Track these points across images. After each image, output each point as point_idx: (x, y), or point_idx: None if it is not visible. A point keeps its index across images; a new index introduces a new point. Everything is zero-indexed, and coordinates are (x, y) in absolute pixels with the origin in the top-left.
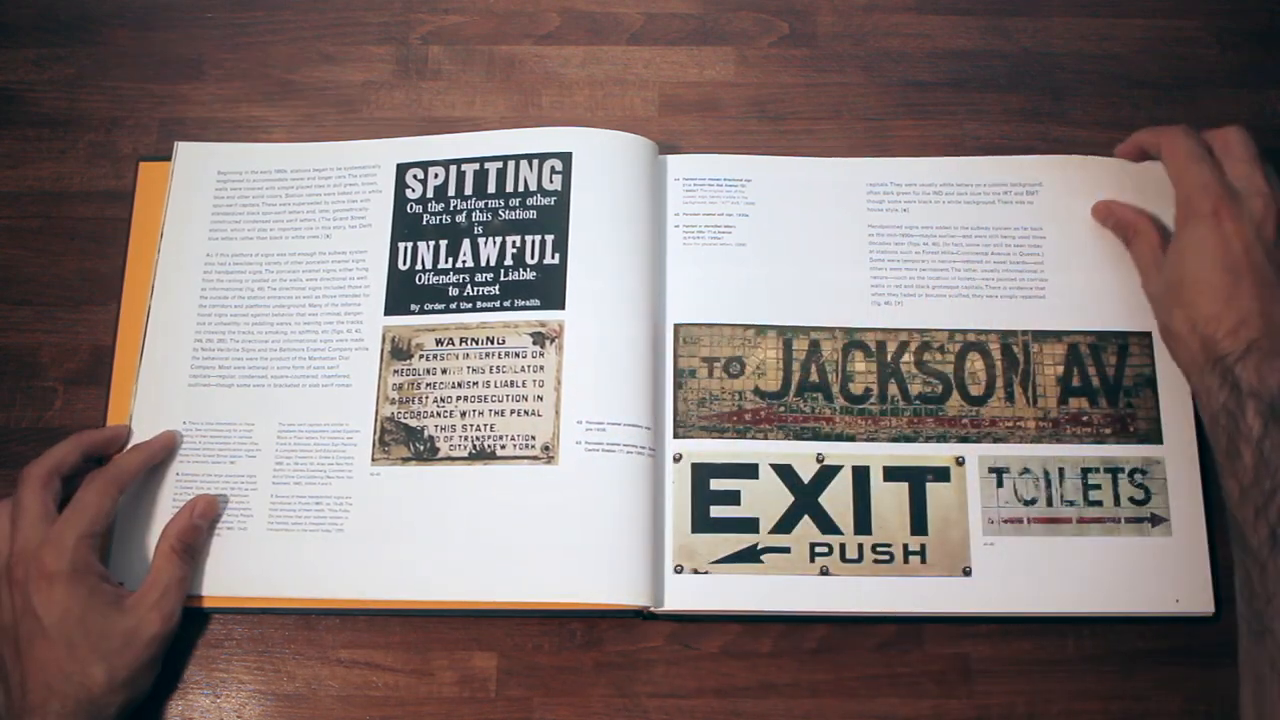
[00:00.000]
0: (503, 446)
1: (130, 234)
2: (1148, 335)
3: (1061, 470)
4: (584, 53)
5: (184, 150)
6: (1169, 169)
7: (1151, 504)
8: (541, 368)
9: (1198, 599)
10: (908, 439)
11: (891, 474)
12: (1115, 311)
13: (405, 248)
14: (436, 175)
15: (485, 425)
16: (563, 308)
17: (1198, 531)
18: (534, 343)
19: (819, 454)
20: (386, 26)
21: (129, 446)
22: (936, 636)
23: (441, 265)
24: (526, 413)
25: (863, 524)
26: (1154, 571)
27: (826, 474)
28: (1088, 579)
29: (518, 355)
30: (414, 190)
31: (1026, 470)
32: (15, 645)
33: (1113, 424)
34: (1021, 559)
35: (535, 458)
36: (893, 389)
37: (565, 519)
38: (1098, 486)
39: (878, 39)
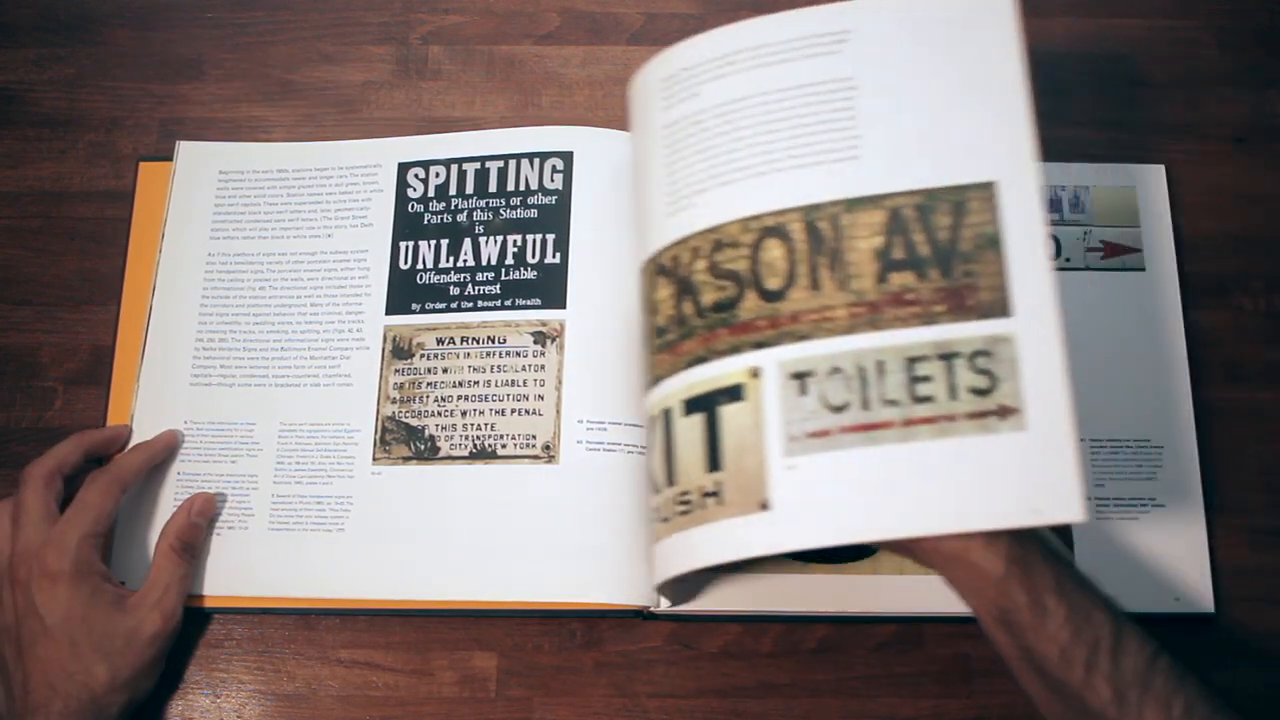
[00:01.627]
0: (503, 446)
1: (130, 234)
2: (990, 187)
3: (881, 364)
4: (584, 53)
5: (185, 150)
6: None
7: (998, 393)
8: (542, 367)
9: (1062, 507)
10: (701, 360)
11: (690, 407)
12: (949, 163)
13: (406, 247)
14: (438, 174)
15: (486, 425)
16: (564, 307)
17: (1060, 422)
18: (535, 342)
19: (654, 409)
20: (386, 26)
21: (130, 446)
22: (936, 636)
23: (443, 264)
24: (527, 412)
25: (672, 475)
26: (1006, 475)
27: (657, 427)
28: (922, 495)
29: (519, 354)
30: (415, 190)
31: (836, 370)
32: (17, 645)
33: (947, 299)
34: (831, 481)
35: (536, 457)
36: (687, 307)
37: (566, 519)
38: (927, 379)
39: None
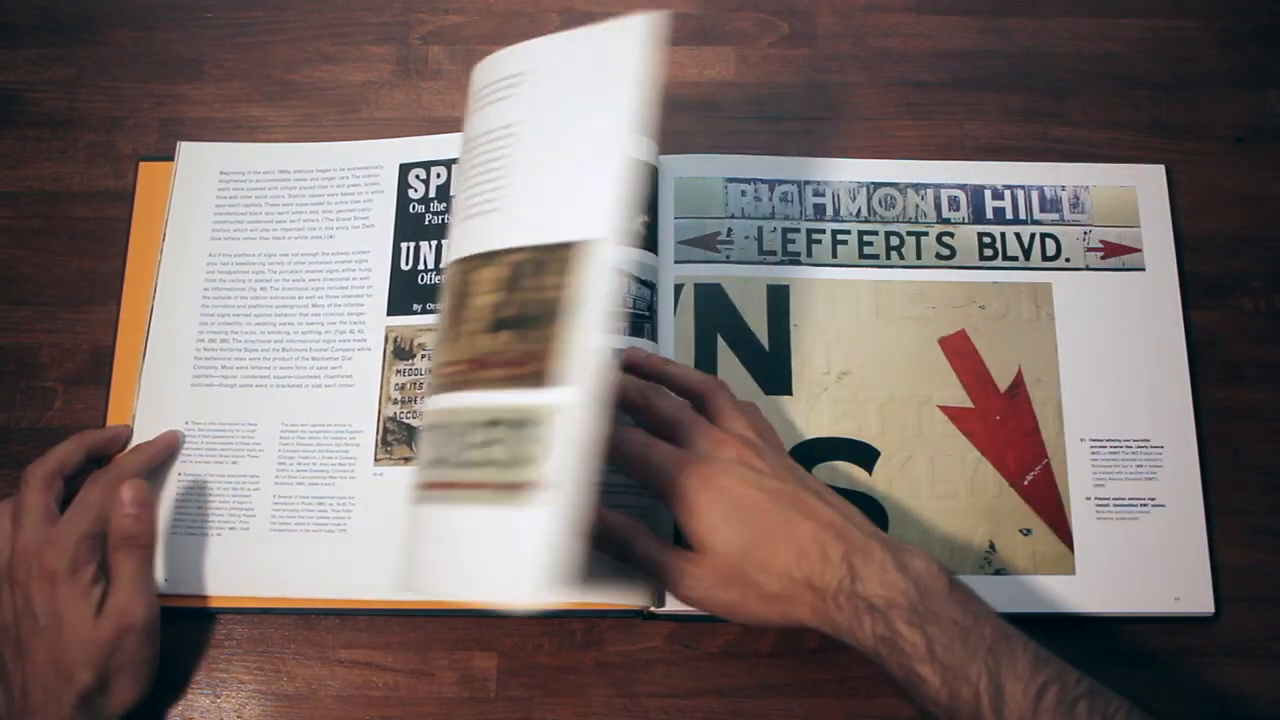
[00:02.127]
0: None
1: (130, 234)
2: (572, 248)
3: (467, 425)
4: None
5: (186, 150)
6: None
7: (530, 467)
8: None
9: (528, 589)
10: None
11: None
12: (557, 221)
13: (408, 248)
14: (439, 175)
15: None
16: None
17: (565, 504)
18: None
19: None
20: (386, 26)
21: (131, 447)
22: None
23: (444, 265)
24: None
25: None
26: (513, 551)
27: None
28: (457, 559)
29: None
30: (416, 190)
31: (439, 426)
32: (16, 645)
33: (526, 363)
34: (414, 533)
35: None
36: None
37: None
38: (497, 443)
39: (878, 39)
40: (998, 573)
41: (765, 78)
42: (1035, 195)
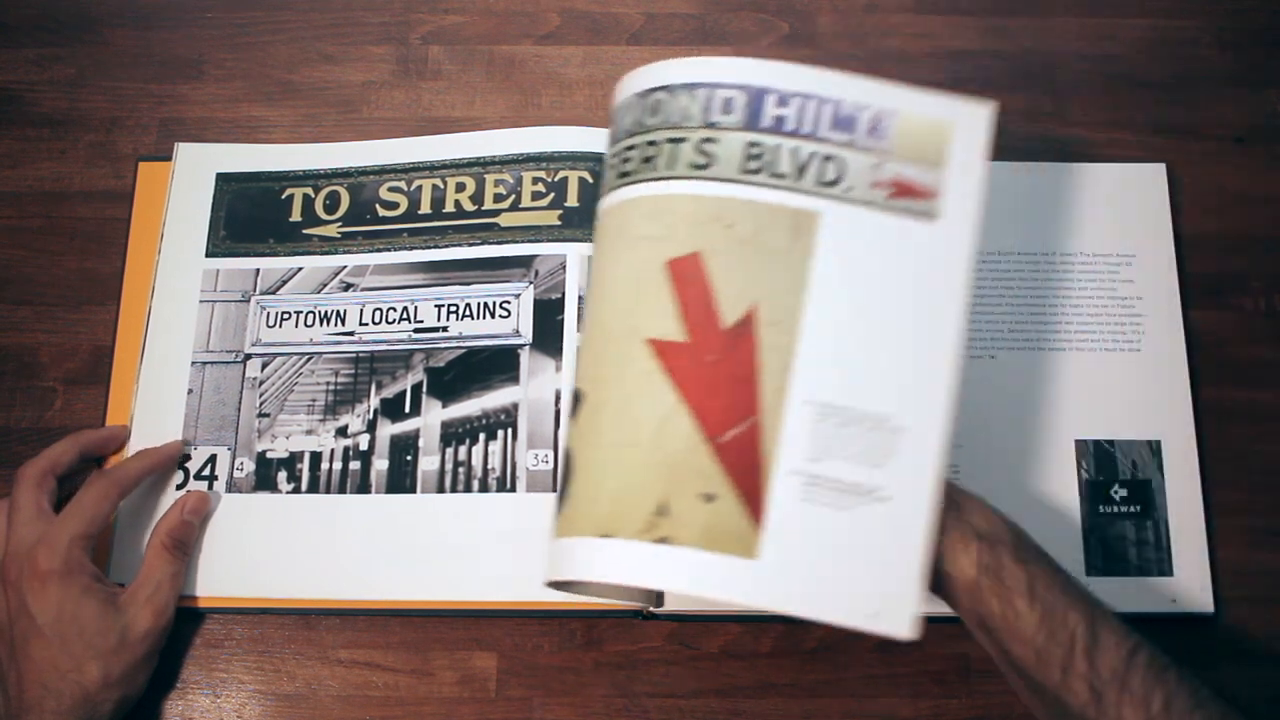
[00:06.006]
0: None
1: (130, 234)
2: None
3: None
4: (584, 53)
5: (184, 151)
6: None
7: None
8: None
9: None
10: None
11: None
12: None
13: None
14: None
15: None
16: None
17: None
18: None
19: None
20: (386, 26)
21: (135, 451)
22: (936, 636)
23: None
24: None
25: None
26: None
27: None
28: None
29: None
30: None
31: None
32: (10, 645)
33: None
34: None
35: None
36: None
37: None
38: None
39: (878, 39)
40: (661, 541)
41: None
42: (829, 109)
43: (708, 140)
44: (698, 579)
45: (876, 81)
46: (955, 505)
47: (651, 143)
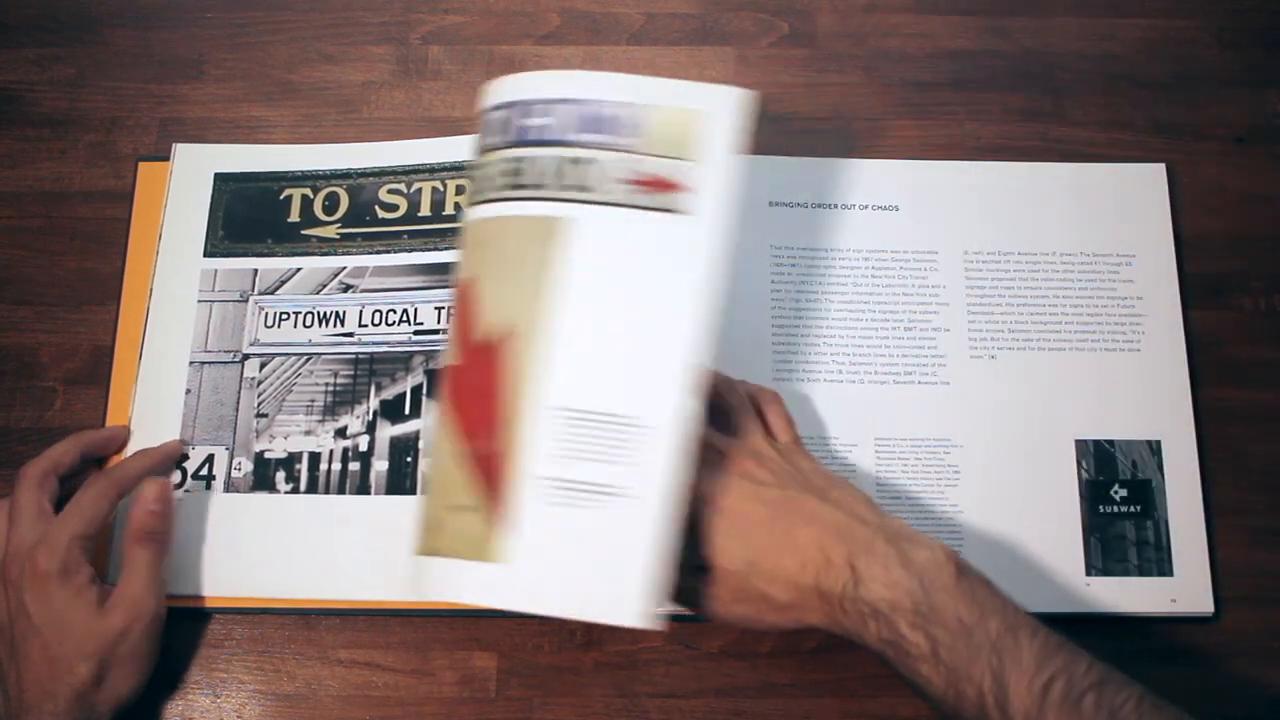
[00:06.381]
0: None
1: (130, 234)
2: None
3: None
4: (584, 53)
5: (182, 152)
6: None
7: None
8: None
9: None
10: None
11: None
12: None
13: None
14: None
15: None
16: None
17: None
18: None
19: None
20: (386, 26)
21: (133, 451)
22: None
23: None
24: None
25: None
26: None
27: None
28: None
29: None
30: None
31: None
32: (10, 644)
33: None
34: None
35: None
36: None
37: None
38: None
39: (878, 39)
40: (433, 554)
41: (765, 78)
42: (589, 112)
43: (483, 165)
44: (456, 587)
45: (636, 78)
46: (855, 576)
47: (473, 169)
